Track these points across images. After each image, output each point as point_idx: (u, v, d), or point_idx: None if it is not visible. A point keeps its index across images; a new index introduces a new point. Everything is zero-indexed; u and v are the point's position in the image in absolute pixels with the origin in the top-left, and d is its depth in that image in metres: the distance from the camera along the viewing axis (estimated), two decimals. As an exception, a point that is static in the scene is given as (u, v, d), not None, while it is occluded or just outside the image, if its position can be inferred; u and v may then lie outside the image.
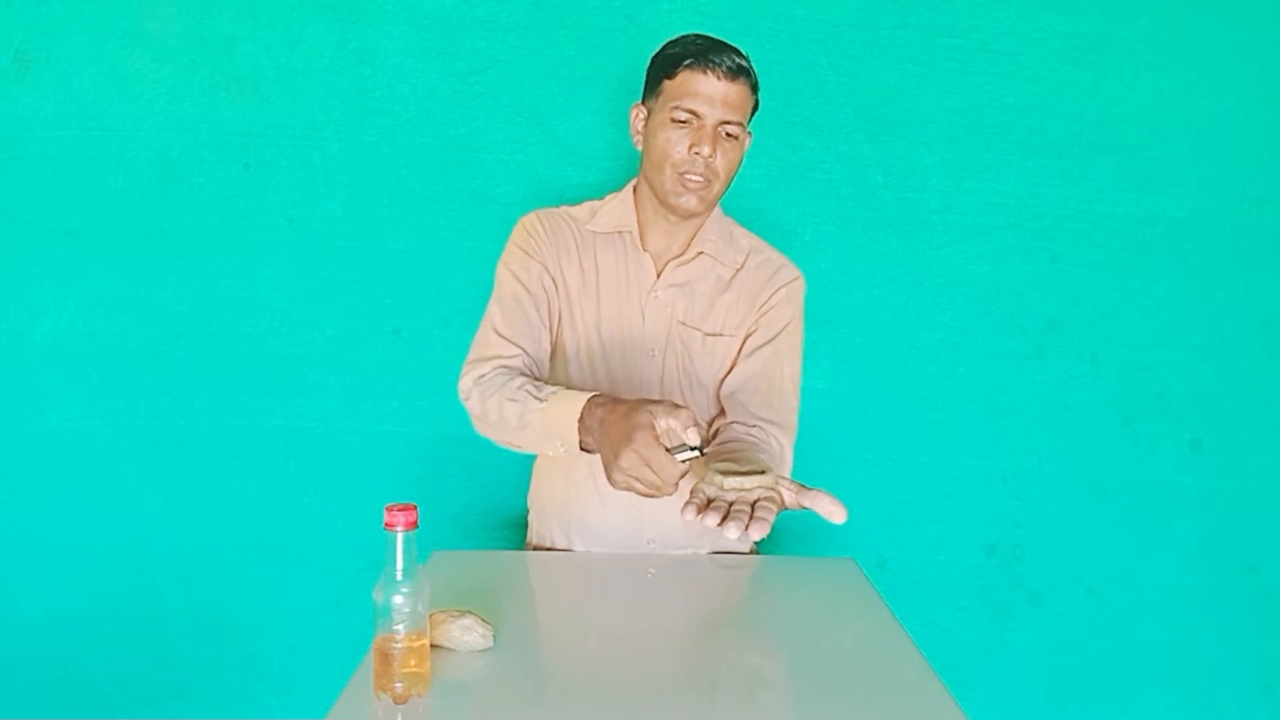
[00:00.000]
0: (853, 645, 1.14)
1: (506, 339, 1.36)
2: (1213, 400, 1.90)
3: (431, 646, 0.99)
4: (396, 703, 0.94)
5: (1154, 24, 1.82)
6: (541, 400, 1.22)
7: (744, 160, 1.83)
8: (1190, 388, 1.90)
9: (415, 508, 0.95)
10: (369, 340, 1.91)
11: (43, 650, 1.96)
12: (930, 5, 1.81)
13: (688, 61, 1.30)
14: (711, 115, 1.30)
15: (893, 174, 1.86)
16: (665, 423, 1.05)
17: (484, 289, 1.57)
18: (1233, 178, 1.85)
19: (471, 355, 1.38)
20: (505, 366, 1.33)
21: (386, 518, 0.94)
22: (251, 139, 1.86)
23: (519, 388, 1.27)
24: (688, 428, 1.04)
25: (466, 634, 1.05)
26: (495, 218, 1.86)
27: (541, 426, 1.22)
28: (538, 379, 1.33)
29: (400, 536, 0.94)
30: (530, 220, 1.44)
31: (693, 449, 1.04)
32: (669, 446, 1.04)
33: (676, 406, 1.06)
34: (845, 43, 1.82)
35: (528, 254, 1.41)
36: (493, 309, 1.41)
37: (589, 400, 1.17)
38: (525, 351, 1.36)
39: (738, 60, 1.31)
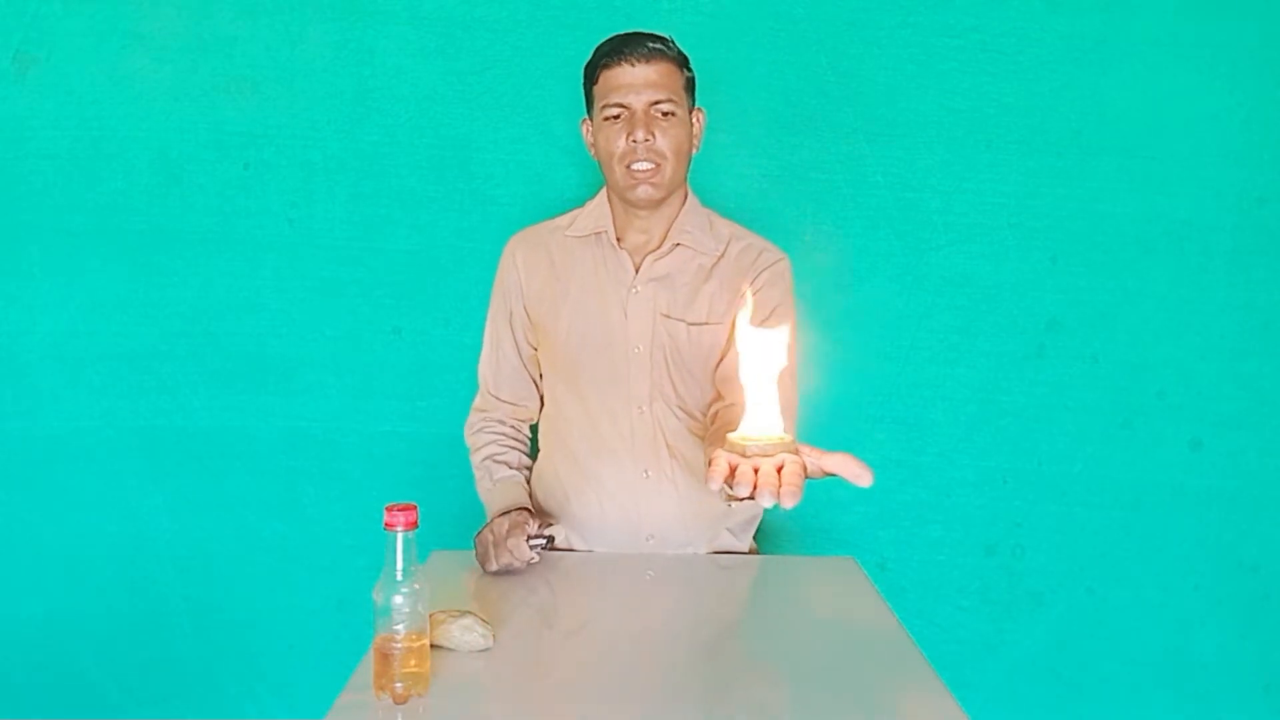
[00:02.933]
0: (853, 645, 1.14)
1: (493, 395, 1.54)
2: (1213, 400, 1.90)
3: (431, 646, 1.00)
4: (396, 703, 0.94)
5: (1154, 24, 1.82)
6: (490, 484, 1.48)
7: (746, 160, 1.85)
8: (1190, 388, 1.90)
9: (415, 508, 0.95)
10: (369, 340, 1.91)
11: (43, 650, 1.96)
12: (930, 5, 1.81)
13: (602, 62, 1.36)
14: (637, 101, 1.34)
15: (893, 174, 1.86)
16: (530, 525, 1.32)
17: (484, 289, 1.57)
18: (1233, 178, 1.85)
19: (475, 400, 1.56)
20: (487, 420, 1.54)
21: (386, 518, 0.94)
22: (251, 139, 1.86)
23: (484, 459, 1.50)
24: (541, 529, 1.33)
25: (466, 634, 1.06)
26: (495, 218, 1.86)
27: (484, 497, 1.49)
28: (522, 421, 1.56)
29: (400, 536, 0.94)
30: (508, 249, 1.52)
31: (546, 539, 1.32)
32: (530, 534, 1.31)
33: (528, 521, 1.33)
34: (845, 43, 1.82)
35: (504, 293, 1.51)
36: (485, 352, 1.54)
37: (508, 509, 1.40)
38: (509, 403, 1.54)
39: (650, 44, 1.35)
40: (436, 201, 1.87)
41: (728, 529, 1.47)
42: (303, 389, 1.92)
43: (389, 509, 0.94)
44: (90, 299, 1.89)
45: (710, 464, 0.95)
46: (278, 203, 1.87)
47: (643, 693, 1.01)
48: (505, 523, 1.32)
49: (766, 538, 1.61)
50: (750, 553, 1.52)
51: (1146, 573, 1.94)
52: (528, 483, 1.52)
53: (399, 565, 0.94)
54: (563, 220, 1.50)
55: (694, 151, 1.42)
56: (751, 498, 0.90)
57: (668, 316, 1.41)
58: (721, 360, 1.41)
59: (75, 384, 1.91)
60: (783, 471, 0.92)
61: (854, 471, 0.97)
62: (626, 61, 1.33)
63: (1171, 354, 1.89)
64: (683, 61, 1.38)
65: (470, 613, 1.08)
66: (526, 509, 1.41)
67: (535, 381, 1.54)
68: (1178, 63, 1.82)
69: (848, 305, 1.88)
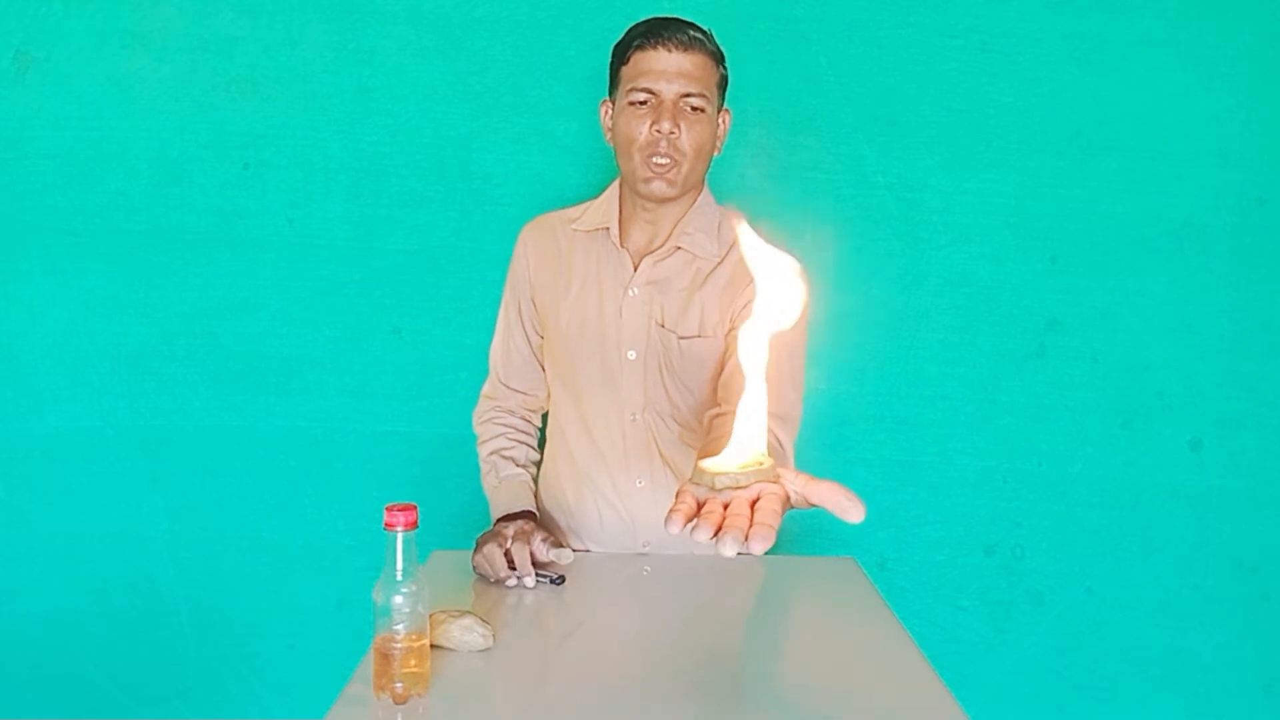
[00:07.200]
0: (853, 645, 1.14)
1: (502, 383, 1.52)
2: (1213, 400, 1.90)
3: (431, 646, 1.00)
4: (396, 703, 0.94)
5: (1154, 24, 1.82)
6: (496, 481, 1.46)
7: (746, 160, 1.85)
8: (1190, 388, 1.90)
9: (415, 508, 0.95)
10: (369, 340, 1.91)
11: (43, 650, 1.96)
12: (930, 5, 1.81)
13: (637, 42, 1.28)
14: (668, 90, 1.26)
15: (893, 174, 1.86)
16: (535, 542, 1.29)
17: (484, 289, 1.57)
18: (1233, 178, 1.85)
19: (485, 386, 1.54)
20: (497, 410, 1.53)
21: (386, 518, 0.94)
22: (251, 139, 1.86)
23: (490, 453, 1.48)
24: (557, 547, 1.30)
25: (466, 634, 1.06)
26: (495, 218, 1.86)
27: (489, 493, 1.47)
28: (532, 411, 1.54)
29: (400, 536, 0.94)
30: (520, 237, 1.49)
31: (553, 577, 1.28)
32: (538, 560, 1.29)
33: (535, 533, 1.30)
34: (845, 43, 1.82)
35: (514, 282, 1.49)
36: (496, 339, 1.52)
37: (512, 511, 1.39)
38: (519, 392, 1.52)
39: (691, 33, 1.28)
40: (436, 201, 1.87)
41: (728, 529, 1.46)
42: (303, 389, 1.92)
43: (389, 509, 0.94)
44: (90, 299, 1.89)
45: (675, 498, 0.82)
46: (278, 203, 1.87)
47: (642, 693, 1.01)
48: (512, 528, 1.30)
49: (766, 538, 1.61)
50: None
51: (1146, 573, 1.94)
52: (535, 480, 1.50)
53: (399, 565, 0.94)
54: (575, 211, 1.46)
55: (716, 153, 1.36)
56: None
57: (663, 327, 1.37)
58: (721, 369, 1.37)
59: (75, 384, 1.91)
60: (756, 507, 0.80)
61: (842, 506, 0.84)
62: (663, 46, 1.25)
63: (1171, 354, 1.89)
64: (720, 58, 1.32)
65: (470, 613, 1.08)
66: (531, 514, 1.39)
67: (545, 371, 1.51)
68: (1178, 63, 1.82)
69: (848, 305, 1.88)
